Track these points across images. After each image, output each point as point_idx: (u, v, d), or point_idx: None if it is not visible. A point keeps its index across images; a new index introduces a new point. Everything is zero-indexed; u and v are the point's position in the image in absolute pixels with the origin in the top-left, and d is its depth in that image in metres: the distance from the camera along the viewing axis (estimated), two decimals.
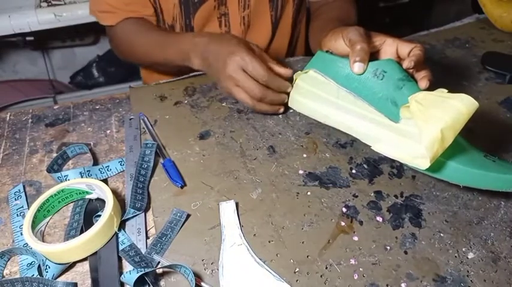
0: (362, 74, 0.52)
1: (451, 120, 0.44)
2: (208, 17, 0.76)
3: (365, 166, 0.54)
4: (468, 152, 0.48)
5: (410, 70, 0.53)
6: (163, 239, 0.45)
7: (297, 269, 0.43)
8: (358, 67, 0.52)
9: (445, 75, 0.61)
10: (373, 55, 0.55)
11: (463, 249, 0.45)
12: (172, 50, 0.68)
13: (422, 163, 0.46)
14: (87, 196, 0.50)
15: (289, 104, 0.60)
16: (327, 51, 0.57)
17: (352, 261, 0.44)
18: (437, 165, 0.47)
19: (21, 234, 0.46)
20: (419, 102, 0.47)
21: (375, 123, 0.52)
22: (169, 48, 0.68)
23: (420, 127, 0.46)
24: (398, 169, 0.54)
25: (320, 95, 0.56)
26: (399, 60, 0.54)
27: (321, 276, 0.42)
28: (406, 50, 0.53)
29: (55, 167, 0.54)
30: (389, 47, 0.54)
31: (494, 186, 0.46)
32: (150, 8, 0.75)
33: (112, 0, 0.73)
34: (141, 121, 0.61)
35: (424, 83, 0.51)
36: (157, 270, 0.43)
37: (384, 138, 0.51)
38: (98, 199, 0.50)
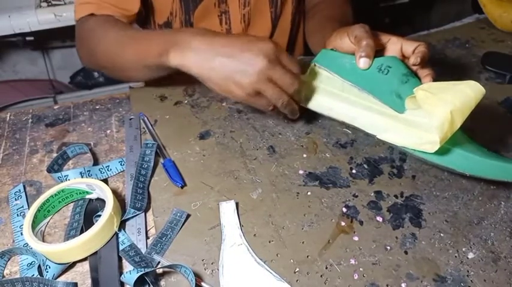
0: (367, 69, 0.52)
1: (460, 104, 0.45)
2: (208, 14, 0.75)
3: (365, 166, 0.54)
4: (473, 143, 0.49)
5: (415, 67, 0.54)
6: (163, 239, 0.45)
7: (297, 269, 0.43)
8: (363, 62, 0.52)
9: (445, 75, 0.61)
10: (378, 53, 0.56)
11: (463, 249, 0.45)
12: (149, 42, 0.57)
13: (430, 147, 0.47)
14: (88, 196, 0.50)
15: None
16: (331, 50, 0.58)
17: (352, 261, 0.44)
18: (443, 152, 0.48)
19: (22, 234, 0.46)
20: (426, 90, 0.47)
21: (380, 114, 0.52)
22: (144, 41, 0.58)
23: (429, 111, 0.46)
24: (399, 169, 0.54)
25: (324, 88, 0.56)
26: (403, 59, 0.55)
27: (321, 276, 0.42)
28: (411, 48, 0.53)
29: (55, 167, 0.54)
30: (393, 45, 0.55)
31: (500, 175, 0.46)
32: (136, 5, 0.68)
33: None
34: (141, 121, 0.61)
35: (427, 80, 0.52)
36: (157, 270, 0.43)
37: (389, 128, 0.51)
38: (98, 199, 0.50)
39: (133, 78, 0.66)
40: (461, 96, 0.45)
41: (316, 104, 0.57)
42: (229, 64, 0.49)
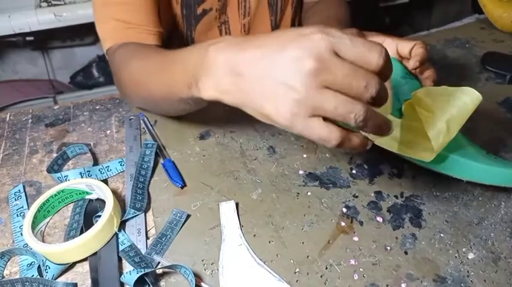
0: None
1: (456, 112, 0.45)
2: (209, 26, 0.75)
3: (365, 166, 0.54)
4: (471, 148, 0.48)
5: (415, 69, 0.53)
6: (163, 239, 0.45)
7: (297, 270, 0.43)
8: None
9: (445, 75, 0.62)
10: None
11: (463, 249, 0.45)
12: (174, 71, 0.45)
13: (426, 155, 0.46)
14: (87, 196, 0.50)
15: None
16: None
17: (352, 261, 0.44)
18: (440, 159, 0.47)
19: (21, 234, 0.46)
20: (423, 96, 0.47)
21: None
22: (169, 69, 0.46)
23: (425, 118, 0.46)
24: (399, 169, 0.54)
25: None
26: (401, 60, 0.54)
27: (321, 276, 0.42)
28: (407, 48, 0.53)
29: (55, 168, 0.54)
30: (389, 45, 0.54)
31: (497, 181, 0.46)
32: (158, 19, 0.63)
33: (125, 16, 0.59)
34: (141, 121, 0.61)
35: (428, 83, 0.51)
36: (157, 270, 0.43)
37: None
38: (98, 199, 0.50)
39: (172, 113, 0.59)
40: (457, 103, 0.45)
41: None
42: (262, 80, 0.34)
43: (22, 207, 0.49)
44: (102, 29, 0.61)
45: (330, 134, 0.33)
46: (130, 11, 0.59)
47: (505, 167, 0.46)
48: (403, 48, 0.53)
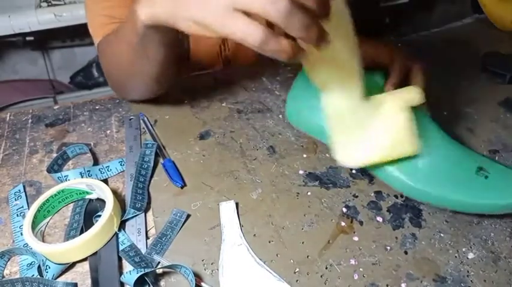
0: None
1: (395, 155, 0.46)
2: None
3: None
4: (458, 171, 0.47)
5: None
6: (163, 239, 0.45)
7: (297, 270, 0.43)
8: None
9: (445, 75, 0.61)
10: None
11: (463, 249, 0.45)
12: (125, 21, 0.49)
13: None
14: (87, 196, 0.50)
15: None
16: None
17: (352, 261, 0.44)
18: (419, 193, 0.47)
19: (21, 234, 0.46)
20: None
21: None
22: (127, 20, 0.48)
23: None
24: None
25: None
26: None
27: (321, 276, 0.42)
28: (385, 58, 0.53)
29: (55, 167, 0.54)
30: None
31: (485, 210, 0.46)
32: None
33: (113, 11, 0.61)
34: (141, 121, 0.61)
35: (387, 88, 0.51)
36: (157, 270, 0.43)
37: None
38: (98, 199, 0.50)
39: (146, 80, 0.56)
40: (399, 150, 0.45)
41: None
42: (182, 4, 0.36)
43: (22, 207, 0.49)
44: (92, 26, 0.63)
45: (254, 29, 0.32)
46: (114, 7, 0.61)
47: (491, 199, 0.45)
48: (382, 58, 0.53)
